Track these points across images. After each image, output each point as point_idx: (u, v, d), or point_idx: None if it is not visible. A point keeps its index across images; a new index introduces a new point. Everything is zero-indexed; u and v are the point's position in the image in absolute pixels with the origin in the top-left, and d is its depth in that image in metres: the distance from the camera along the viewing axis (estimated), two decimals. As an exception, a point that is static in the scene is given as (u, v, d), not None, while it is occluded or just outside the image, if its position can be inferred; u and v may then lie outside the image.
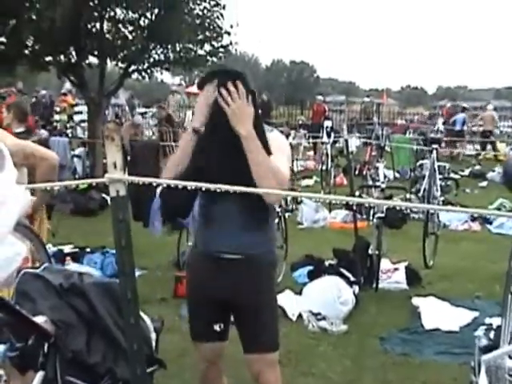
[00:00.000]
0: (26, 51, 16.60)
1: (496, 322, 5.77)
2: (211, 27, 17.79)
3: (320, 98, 30.01)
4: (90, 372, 3.48)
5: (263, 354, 4.17)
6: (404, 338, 7.32)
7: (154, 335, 3.85)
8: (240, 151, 3.79)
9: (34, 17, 15.54)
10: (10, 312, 3.10)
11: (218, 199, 3.97)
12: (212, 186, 3.02)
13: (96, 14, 16.54)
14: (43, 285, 3.57)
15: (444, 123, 27.92)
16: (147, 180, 2.98)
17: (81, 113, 24.77)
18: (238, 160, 3.80)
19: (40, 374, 3.39)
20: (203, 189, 3.08)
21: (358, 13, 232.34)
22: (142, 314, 3.51)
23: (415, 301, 8.21)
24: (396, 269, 9.33)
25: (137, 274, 3.31)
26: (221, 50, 18.37)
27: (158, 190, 9.27)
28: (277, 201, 4.14)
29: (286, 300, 7.80)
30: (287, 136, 19.58)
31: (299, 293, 8.13)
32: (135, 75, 18.65)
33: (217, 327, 4.26)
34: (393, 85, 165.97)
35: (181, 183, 3.13)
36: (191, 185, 3.03)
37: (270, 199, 3.92)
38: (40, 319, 3.36)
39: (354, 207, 10.01)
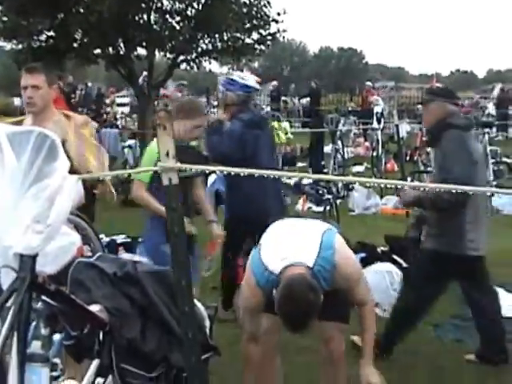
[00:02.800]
0: (75, 44, 16.75)
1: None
2: (258, 15, 17.74)
3: (369, 83, 29.85)
4: (144, 360, 3.50)
5: (338, 323, 4.58)
6: (457, 324, 7.26)
7: (208, 322, 3.86)
8: None
9: (82, 10, 15.67)
10: (66, 301, 3.13)
11: None
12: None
13: (143, 5, 16.62)
14: (97, 274, 3.60)
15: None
16: (200, 167, 2.99)
17: (126, 104, 24.92)
18: None
19: (95, 362, 3.42)
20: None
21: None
22: (195, 301, 3.52)
23: (469, 287, 8.13)
24: (449, 254, 9.22)
25: (190, 262, 3.32)
26: (268, 38, 18.33)
27: (210, 178, 9.32)
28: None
29: (339, 287, 7.76)
30: (337, 123, 19.50)
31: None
32: (183, 65, 18.69)
33: None
34: (442, 69, 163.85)
35: (242, 170, 3.12)
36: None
37: None
38: (95, 308, 3.39)
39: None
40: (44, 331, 3.08)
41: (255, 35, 18.12)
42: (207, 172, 8.53)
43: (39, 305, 3.06)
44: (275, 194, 6.94)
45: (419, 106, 27.91)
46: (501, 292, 7.94)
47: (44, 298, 3.00)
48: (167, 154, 2.92)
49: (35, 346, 3.02)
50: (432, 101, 6.28)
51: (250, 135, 6.60)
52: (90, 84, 27.93)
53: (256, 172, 2.99)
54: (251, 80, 7.01)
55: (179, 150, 5.39)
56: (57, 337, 3.42)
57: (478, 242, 6.14)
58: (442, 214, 6.01)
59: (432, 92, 6.63)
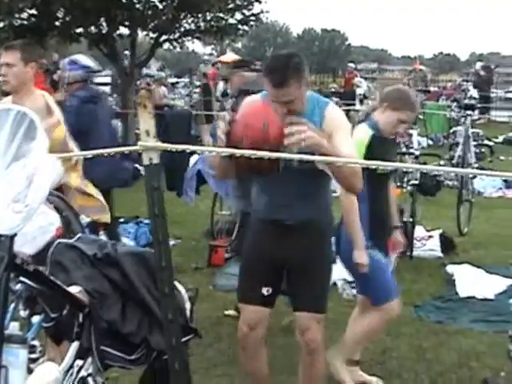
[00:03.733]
0: (57, 23, 16.58)
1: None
2: (241, -5, 17.65)
3: (351, 65, 29.77)
4: (124, 342, 3.48)
5: (314, 314, 4.44)
6: (439, 305, 7.29)
7: (188, 304, 3.83)
8: None
9: (64, -12, 15.50)
10: (45, 282, 3.09)
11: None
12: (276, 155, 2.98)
13: (126, -17, 16.48)
14: (77, 255, 3.56)
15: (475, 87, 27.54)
16: (181, 147, 2.95)
17: (107, 84, 24.71)
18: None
19: (75, 344, 3.39)
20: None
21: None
22: (176, 283, 3.50)
23: (450, 268, 8.17)
24: (430, 236, 9.26)
25: (171, 243, 3.28)
26: (252, 18, 18.23)
27: (192, 158, 9.30)
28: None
29: (320, 268, 7.76)
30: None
31: (333, 261, 8.08)
32: (166, 45, 18.57)
33: (264, 291, 4.48)
34: (425, 52, 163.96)
35: (222, 150, 3.09)
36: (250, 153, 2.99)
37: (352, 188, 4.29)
38: (74, 289, 3.35)
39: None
40: (23, 313, 3.05)
41: (238, 15, 18.01)
42: (188, 151, 8.55)
43: (18, 286, 3.02)
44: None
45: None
46: (480, 273, 8.01)
47: (23, 279, 2.96)
48: (148, 133, 2.88)
49: (13, 328, 2.98)
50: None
51: (85, 109, 7.13)
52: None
53: (244, 152, 2.95)
54: (91, 62, 7.59)
55: (383, 142, 5.08)
56: (36, 319, 3.39)
57: None
58: None
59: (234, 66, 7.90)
